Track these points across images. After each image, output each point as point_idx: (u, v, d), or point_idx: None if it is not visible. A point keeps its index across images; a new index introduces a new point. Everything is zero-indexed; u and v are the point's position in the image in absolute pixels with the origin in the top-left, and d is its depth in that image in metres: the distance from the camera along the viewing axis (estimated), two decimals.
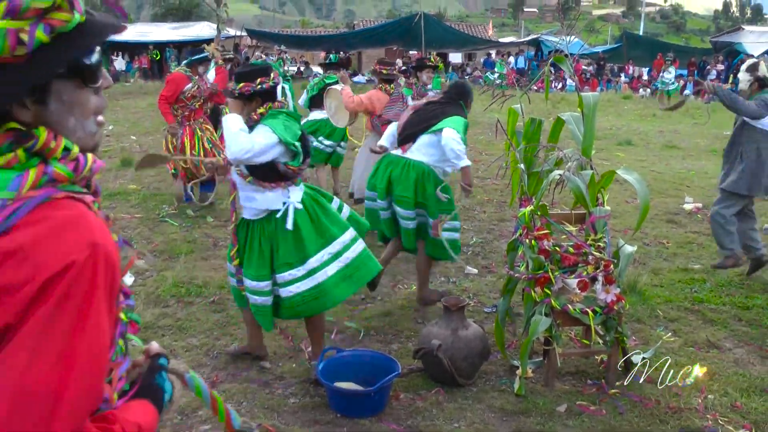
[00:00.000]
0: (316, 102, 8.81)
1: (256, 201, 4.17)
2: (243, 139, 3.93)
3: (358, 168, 7.63)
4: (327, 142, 8.73)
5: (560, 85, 30.72)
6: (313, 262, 4.07)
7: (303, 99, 9.39)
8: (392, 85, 7.39)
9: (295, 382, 4.35)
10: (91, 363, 1.08)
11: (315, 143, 8.80)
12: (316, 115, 8.78)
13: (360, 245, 4.27)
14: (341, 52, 37.51)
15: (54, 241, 1.05)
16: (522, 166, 4.62)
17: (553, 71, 34.03)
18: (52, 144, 1.15)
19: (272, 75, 4.16)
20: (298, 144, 4.05)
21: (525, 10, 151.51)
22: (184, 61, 8.68)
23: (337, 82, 8.24)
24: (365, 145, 7.61)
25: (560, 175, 4.30)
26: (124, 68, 36.98)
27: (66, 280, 1.04)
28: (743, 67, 6.60)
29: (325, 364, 4.13)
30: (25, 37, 1.08)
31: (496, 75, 26.57)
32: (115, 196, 9.21)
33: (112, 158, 11.98)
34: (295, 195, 4.18)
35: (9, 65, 1.08)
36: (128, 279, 5.69)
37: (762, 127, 6.24)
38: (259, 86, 4.07)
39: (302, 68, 33.01)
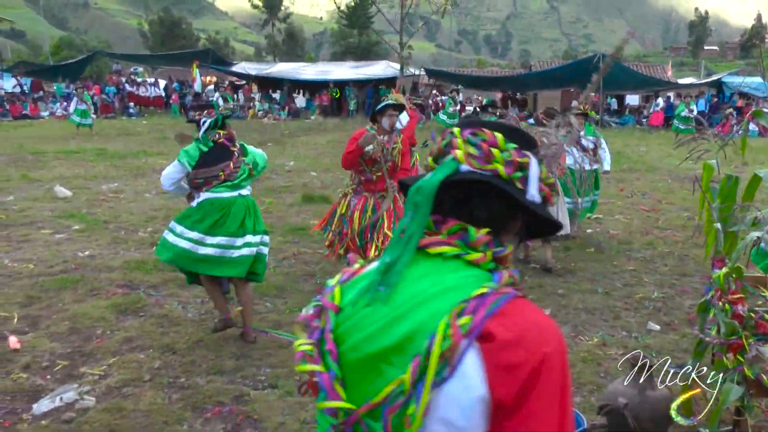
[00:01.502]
0: None
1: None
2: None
3: None
4: None
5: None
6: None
7: None
8: None
9: None
10: (571, 425, 1.39)
11: None
12: None
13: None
14: (517, 94, 37.64)
15: (538, 334, 1.36)
16: (719, 225, 4.51)
17: (734, 115, 32.15)
18: (509, 256, 1.53)
19: (206, 111, 5.57)
20: (184, 161, 5.40)
21: (705, 48, 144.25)
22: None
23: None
24: None
25: (758, 236, 4.17)
26: (304, 105, 38.71)
27: (551, 364, 1.34)
28: None
29: None
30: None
31: (685, 115, 26.05)
32: (297, 231, 9.66)
33: (293, 194, 12.71)
34: (205, 195, 5.48)
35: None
36: None
37: None
38: (198, 118, 5.54)
39: (478, 108, 33.36)
